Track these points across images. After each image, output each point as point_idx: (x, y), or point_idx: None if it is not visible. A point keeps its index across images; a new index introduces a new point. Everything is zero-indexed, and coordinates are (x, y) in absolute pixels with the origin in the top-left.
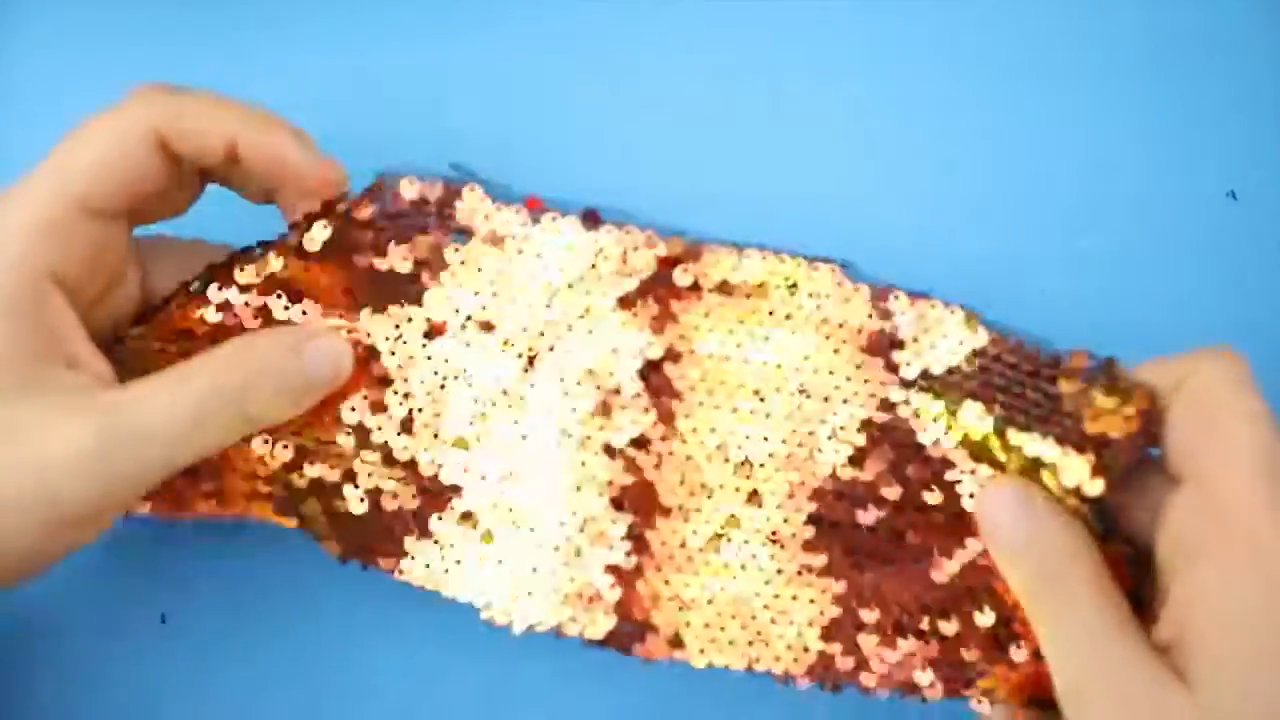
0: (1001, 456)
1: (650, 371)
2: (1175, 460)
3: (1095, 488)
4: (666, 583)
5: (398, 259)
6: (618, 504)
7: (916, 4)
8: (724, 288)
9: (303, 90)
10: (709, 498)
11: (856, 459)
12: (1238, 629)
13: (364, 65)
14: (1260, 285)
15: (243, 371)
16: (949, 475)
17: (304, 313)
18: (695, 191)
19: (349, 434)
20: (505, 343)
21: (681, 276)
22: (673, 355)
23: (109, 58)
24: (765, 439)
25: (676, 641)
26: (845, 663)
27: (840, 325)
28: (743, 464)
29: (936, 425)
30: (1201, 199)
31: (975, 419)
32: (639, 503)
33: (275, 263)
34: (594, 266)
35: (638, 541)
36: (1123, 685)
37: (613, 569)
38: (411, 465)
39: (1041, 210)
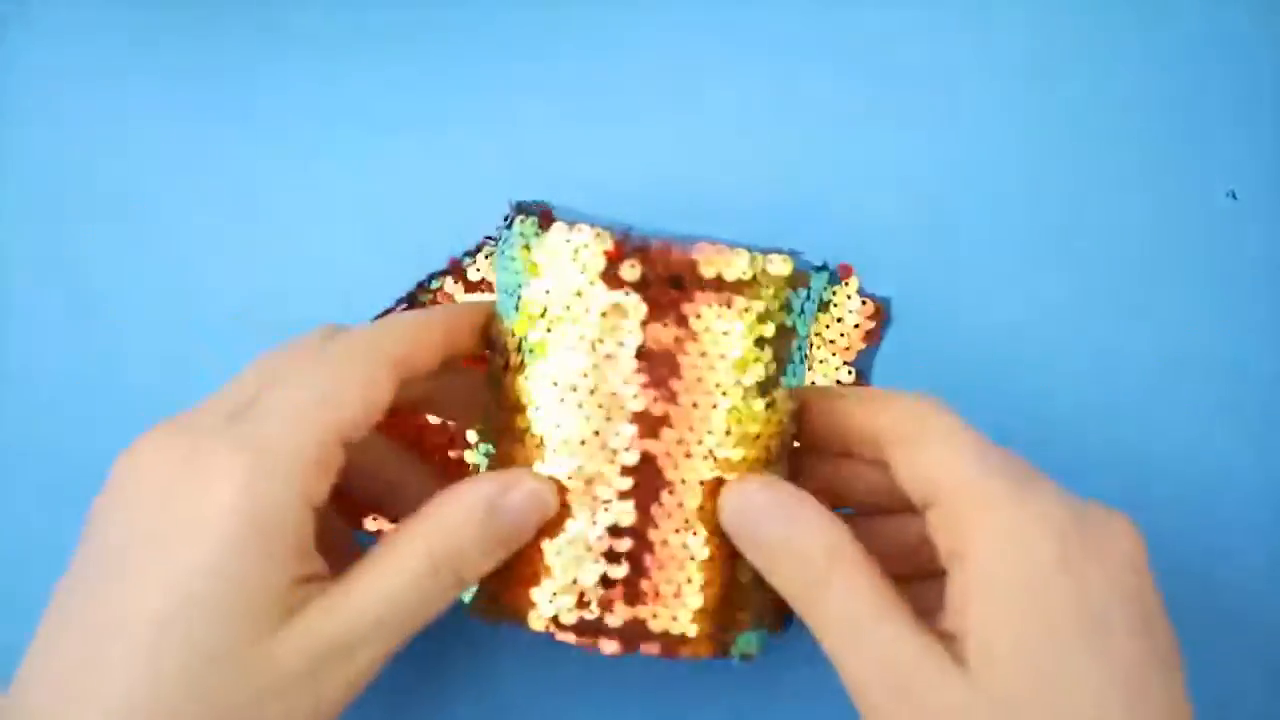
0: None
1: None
2: (915, 494)
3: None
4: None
5: None
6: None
7: (916, 4)
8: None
9: (303, 90)
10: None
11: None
12: (1001, 606)
13: (364, 66)
14: (1260, 285)
15: (452, 539)
16: None
17: None
18: (696, 191)
19: None
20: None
21: (628, 271)
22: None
23: (110, 58)
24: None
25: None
26: None
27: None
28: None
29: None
30: (1201, 199)
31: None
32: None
33: None
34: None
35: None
36: (896, 668)
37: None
38: None
39: (1041, 210)
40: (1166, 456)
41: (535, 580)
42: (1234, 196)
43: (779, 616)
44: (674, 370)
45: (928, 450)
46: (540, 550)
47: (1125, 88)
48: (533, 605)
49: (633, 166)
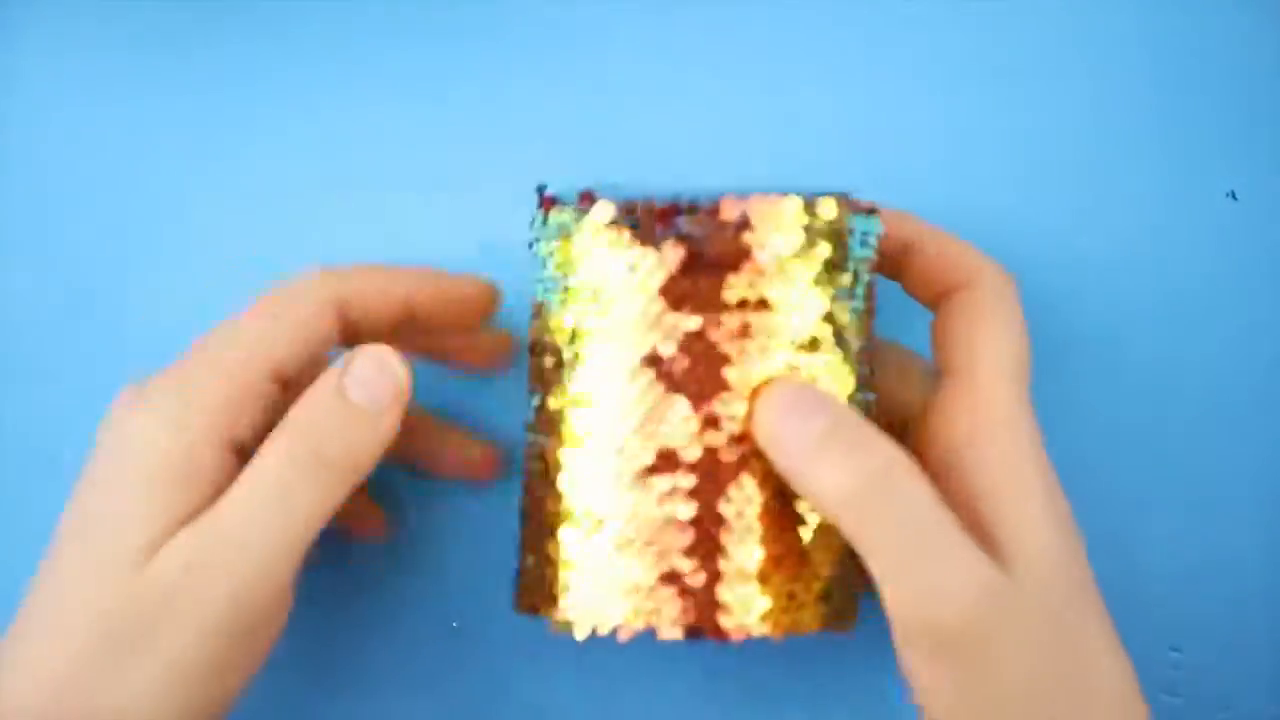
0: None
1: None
2: (945, 352)
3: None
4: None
5: None
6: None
7: (916, 4)
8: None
9: (303, 91)
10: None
11: None
12: (1025, 501)
13: (363, 66)
14: (1260, 285)
15: (304, 434)
16: None
17: None
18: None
19: None
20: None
21: (671, 253)
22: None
23: (110, 61)
24: None
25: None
26: None
27: None
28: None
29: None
30: (1201, 199)
31: None
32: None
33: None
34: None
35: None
36: (963, 580)
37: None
38: None
39: (1042, 210)
40: (1167, 456)
41: (585, 577)
42: (1234, 197)
43: (850, 605)
44: (732, 352)
45: (988, 335)
46: (591, 545)
47: (1125, 88)
48: (578, 602)
49: (632, 165)
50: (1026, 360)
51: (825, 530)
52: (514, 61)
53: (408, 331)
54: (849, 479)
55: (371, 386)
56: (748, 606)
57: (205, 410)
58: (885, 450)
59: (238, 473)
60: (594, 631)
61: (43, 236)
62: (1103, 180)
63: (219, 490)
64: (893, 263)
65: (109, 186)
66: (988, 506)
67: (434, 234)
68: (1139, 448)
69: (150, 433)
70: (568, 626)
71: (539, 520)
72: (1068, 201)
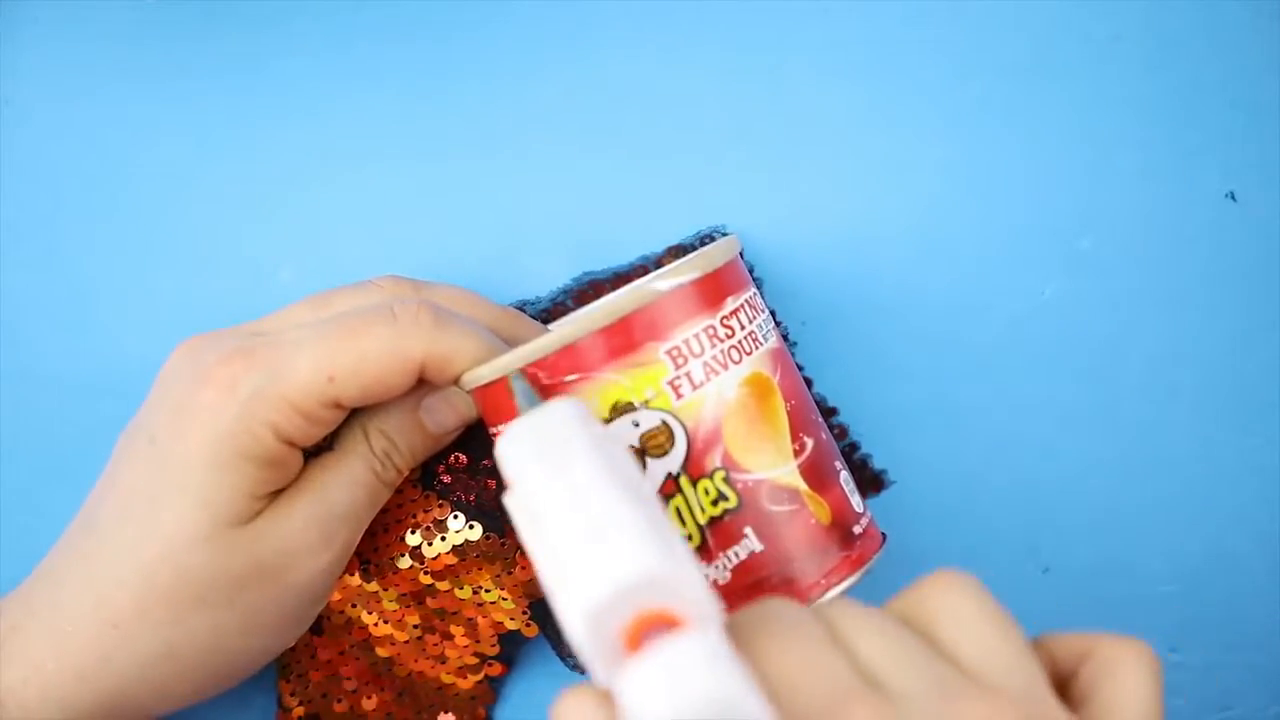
0: None
1: None
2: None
3: None
4: None
5: None
6: None
7: (916, 4)
8: None
9: (301, 92)
10: None
11: None
12: None
13: (363, 62)
14: (1260, 285)
15: (388, 425)
16: None
17: None
18: (695, 191)
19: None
20: None
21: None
22: None
23: (109, 58)
24: None
25: None
26: None
27: None
28: None
29: None
30: (1201, 199)
31: None
32: None
33: None
34: None
35: None
36: None
37: None
38: None
39: (1041, 210)
40: (1167, 456)
41: None
42: (1233, 197)
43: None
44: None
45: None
46: None
47: (1125, 88)
48: None
49: (632, 163)
50: None
51: None
52: (513, 59)
53: None
54: None
55: (447, 405)
56: None
57: (269, 417)
58: None
59: (293, 461)
60: None
61: (43, 235)
62: (1103, 180)
63: (281, 471)
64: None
65: (108, 183)
66: None
67: (435, 234)
68: (1139, 448)
69: (217, 423)
70: None
71: None
72: (1067, 201)
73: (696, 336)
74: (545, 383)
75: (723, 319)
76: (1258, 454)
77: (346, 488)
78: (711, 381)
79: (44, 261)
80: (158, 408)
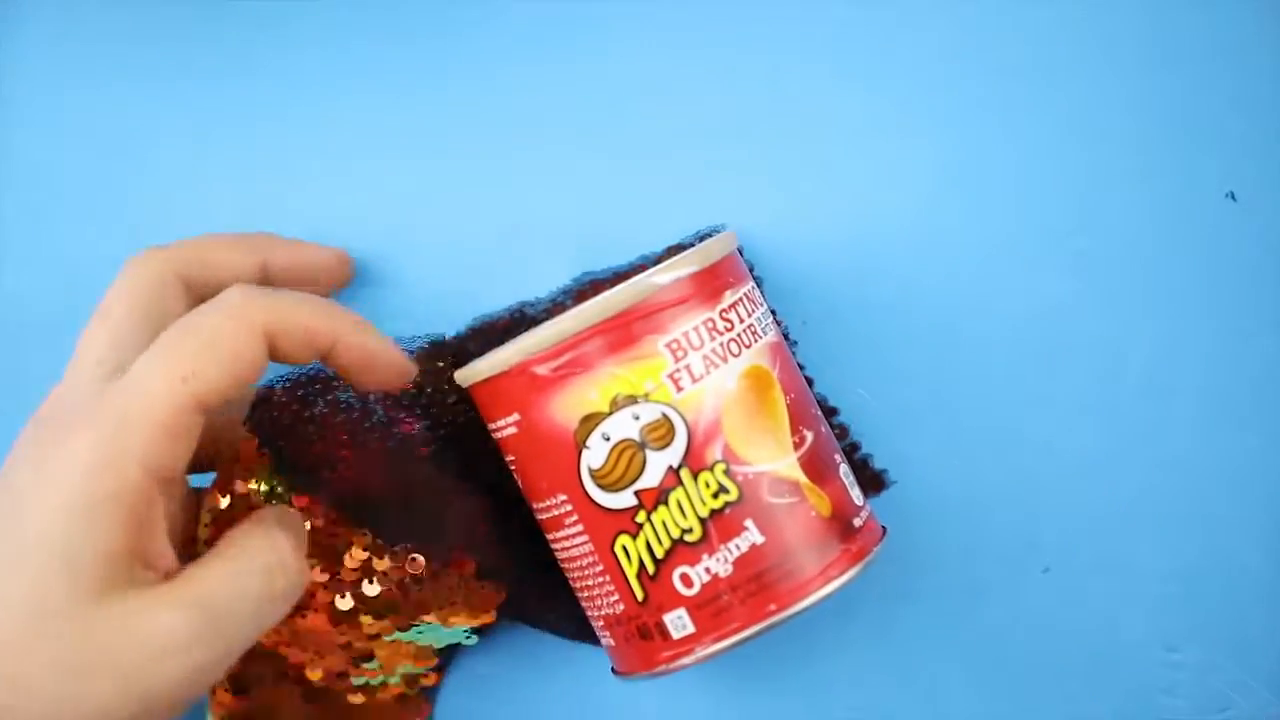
0: None
1: None
2: None
3: None
4: None
5: None
6: None
7: (916, 3)
8: None
9: (301, 92)
10: None
11: None
12: None
13: (362, 61)
14: (1260, 285)
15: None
16: None
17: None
18: (695, 193)
19: None
20: None
21: None
22: None
23: (109, 58)
24: None
25: None
26: None
27: None
28: None
29: None
30: (1201, 199)
31: None
32: None
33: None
34: None
35: None
36: None
37: None
38: None
39: (1042, 210)
40: (1167, 456)
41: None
42: (1233, 197)
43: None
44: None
45: None
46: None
47: (1125, 88)
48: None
49: (631, 163)
50: None
51: None
52: (513, 59)
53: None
54: None
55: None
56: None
57: (137, 445)
58: None
59: (163, 506)
60: None
61: (43, 235)
62: (1102, 180)
63: (148, 524)
64: None
65: (108, 183)
66: None
67: (434, 233)
68: (1139, 448)
69: (84, 461)
70: None
71: None
72: (1067, 201)
73: (696, 329)
74: (545, 375)
75: (722, 312)
76: (1258, 454)
77: (233, 594)
78: (711, 374)
79: (44, 261)
80: (19, 461)
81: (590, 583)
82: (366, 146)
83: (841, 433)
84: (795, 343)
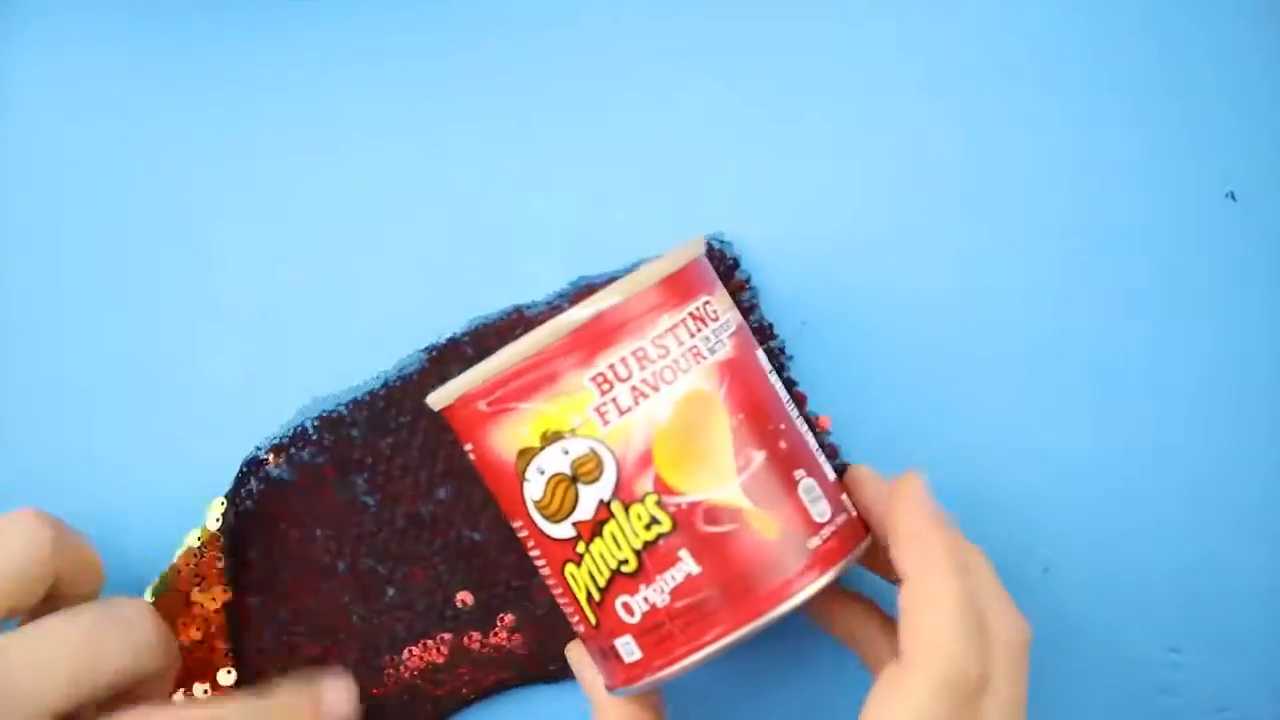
0: None
1: None
2: (897, 564)
3: None
4: None
5: None
6: None
7: (916, 5)
8: None
9: (299, 92)
10: None
11: None
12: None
13: (363, 63)
14: (1260, 285)
15: None
16: None
17: None
18: (693, 195)
19: None
20: None
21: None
22: None
23: (109, 58)
24: None
25: None
26: None
27: None
28: None
29: None
30: (1201, 199)
31: None
32: None
33: None
34: None
35: None
36: None
37: None
38: None
39: (1041, 210)
40: (1167, 455)
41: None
42: (1233, 197)
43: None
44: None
45: (920, 544)
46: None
47: (1125, 88)
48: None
49: (629, 166)
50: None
51: None
52: (511, 60)
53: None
54: None
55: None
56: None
57: None
58: None
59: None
60: None
61: (43, 235)
62: (1103, 180)
63: None
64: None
65: (108, 183)
66: None
67: (431, 236)
68: (1139, 448)
69: None
70: None
71: None
72: (1067, 201)
73: (623, 360)
74: (484, 411)
75: (655, 339)
76: (1257, 454)
77: None
78: (640, 405)
79: (44, 261)
80: None
81: (563, 602)
82: (365, 149)
83: (832, 452)
84: (791, 357)
